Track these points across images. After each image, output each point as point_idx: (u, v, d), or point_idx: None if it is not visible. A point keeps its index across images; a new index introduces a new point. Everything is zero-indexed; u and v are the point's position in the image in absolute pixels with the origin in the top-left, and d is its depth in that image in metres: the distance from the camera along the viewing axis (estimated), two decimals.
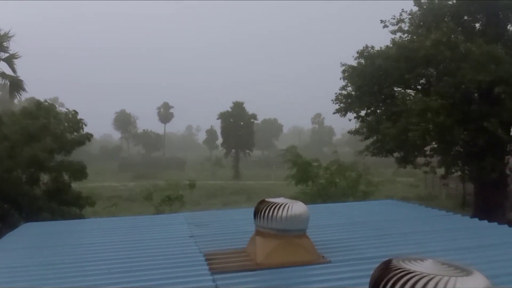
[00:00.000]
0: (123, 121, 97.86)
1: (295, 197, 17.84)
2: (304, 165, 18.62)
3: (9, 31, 16.12)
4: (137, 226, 6.93)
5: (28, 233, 6.94)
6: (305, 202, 5.03)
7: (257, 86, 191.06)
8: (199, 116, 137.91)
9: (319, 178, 18.88)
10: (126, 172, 58.41)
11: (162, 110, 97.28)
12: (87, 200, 15.65)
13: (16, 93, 16.45)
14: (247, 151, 61.27)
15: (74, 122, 15.69)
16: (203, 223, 6.79)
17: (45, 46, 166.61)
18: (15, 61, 16.17)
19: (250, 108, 62.47)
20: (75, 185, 15.85)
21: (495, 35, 17.17)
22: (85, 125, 16.16)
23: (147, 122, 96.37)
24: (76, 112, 15.93)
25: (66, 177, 15.40)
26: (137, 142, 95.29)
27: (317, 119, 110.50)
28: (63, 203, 15.14)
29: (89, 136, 16.07)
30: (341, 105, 20.08)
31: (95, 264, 4.82)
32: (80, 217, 14.47)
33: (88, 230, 6.86)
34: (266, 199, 4.81)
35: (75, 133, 15.85)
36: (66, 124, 15.68)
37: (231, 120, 60.60)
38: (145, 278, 4.24)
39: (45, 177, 15.49)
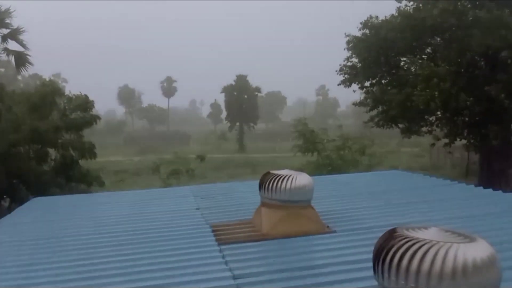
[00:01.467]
0: (127, 96, 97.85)
1: (300, 169, 18.05)
2: (310, 135, 18.70)
3: (9, 7, 15.93)
4: (144, 200, 7.01)
5: (37, 207, 7.04)
6: (310, 174, 5.05)
7: (260, 58, 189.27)
8: (202, 90, 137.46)
9: (325, 150, 18.95)
10: (131, 147, 58.70)
11: (165, 84, 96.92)
12: (96, 178, 15.81)
13: (22, 68, 16.40)
14: (252, 124, 61.25)
15: (83, 103, 15.77)
16: (210, 196, 6.85)
17: (44, 16, 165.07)
18: (23, 36, 16.00)
19: (253, 81, 62.24)
20: (82, 162, 15.99)
21: (504, 1, 16.78)
22: (93, 107, 16.31)
23: (151, 96, 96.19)
24: (86, 96, 16.00)
25: (74, 154, 15.52)
26: (142, 117, 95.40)
27: (322, 91, 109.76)
28: (71, 179, 15.31)
29: (96, 118, 16.20)
30: (346, 76, 19.89)
31: (103, 236, 4.89)
32: (88, 192, 14.64)
33: (96, 204, 6.95)
34: (271, 171, 4.83)
35: (84, 114, 15.93)
36: (75, 104, 15.76)
37: (235, 93, 60.32)
38: (152, 250, 4.31)
39: (53, 154, 15.64)
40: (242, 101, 59.90)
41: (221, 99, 69.26)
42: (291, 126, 21.40)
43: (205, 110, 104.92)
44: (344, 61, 20.05)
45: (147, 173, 25.92)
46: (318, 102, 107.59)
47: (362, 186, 7.15)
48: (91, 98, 16.15)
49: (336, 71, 20.08)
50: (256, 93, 61.54)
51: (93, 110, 16.57)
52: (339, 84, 20.21)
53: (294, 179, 4.59)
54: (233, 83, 60.33)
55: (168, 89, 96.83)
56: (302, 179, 4.65)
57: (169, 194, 7.41)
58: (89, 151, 15.52)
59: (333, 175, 12.39)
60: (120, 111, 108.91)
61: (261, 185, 4.77)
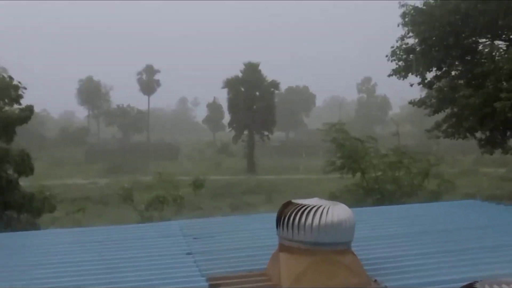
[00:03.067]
0: (91, 92, 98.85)
1: (335, 197, 17.94)
2: (352, 146, 18.60)
3: None
4: (114, 240, 7.01)
5: None
6: (350, 204, 5.03)
7: (277, 40, 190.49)
8: (196, 85, 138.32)
9: (372, 169, 18.84)
10: (96, 164, 59.12)
11: (144, 76, 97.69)
12: (43, 203, 15.88)
13: None
14: (266, 133, 61.43)
15: (5, 89, 15.71)
16: (206, 235, 6.85)
17: None
18: None
19: (268, 73, 62.43)
20: (25, 183, 16.09)
21: None
22: (25, 89, 16.21)
23: (124, 93, 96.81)
24: (11, 78, 16.00)
25: (9, 171, 15.59)
26: (111, 122, 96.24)
27: (366, 85, 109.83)
28: (9, 206, 15.37)
29: (30, 109, 16.13)
30: (400, 63, 19.82)
31: None
32: (34, 227, 14.70)
33: (45, 246, 6.96)
34: (294, 201, 4.82)
35: (13, 106, 15.91)
36: None
37: (243, 89, 60.64)
38: None
39: None
40: (252, 100, 60.20)
41: (222, 97, 69.79)
42: (321, 134, 21.28)
43: (200, 113, 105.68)
44: (397, 41, 19.96)
45: (117, 201, 26.04)
46: (361, 102, 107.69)
47: (426, 222, 7.10)
48: (39, 95, 16.26)
49: (386, 56, 20.05)
50: (273, 89, 61.84)
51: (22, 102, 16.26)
52: (390, 75, 20.12)
53: (326, 212, 4.58)
54: (240, 74, 60.72)
55: (148, 83, 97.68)
56: (338, 212, 4.63)
57: (149, 233, 7.41)
58: (22, 164, 15.53)
59: (383, 206, 12.29)
60: (81, 113, 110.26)
61: (279, 221, 4.77)
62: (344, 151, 18.96)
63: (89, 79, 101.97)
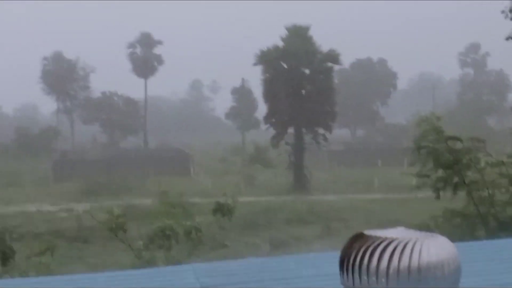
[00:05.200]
0: (61, 76, 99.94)
1: (428, 226, 17.78)
2: (449, 151, 18.58)
3: None
4: None
5: None
6: (452, 237, 4.98)
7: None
8: (215, 62, 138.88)
9: (482, 184, 18.73)
10: (69, 181, 60.02)
11: (138, 50, 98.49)
12: None
13: None
14: (321, 131, 61.30)
15: None
16: (234, 284, 6.86)
17: None
18: None
19: (323, 40, 62.17)
20: None
21: None
22: None
23: (110, 75, 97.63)
24: None
25: None
26: (91, 118, 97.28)
27: (472, 56, 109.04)
28: None
29: None
30: None
31: None
32: None
33: None
34: (366, 232, 4.79)
35: None
36: None
37: (285, 65, 60.76)
38: None
39: None
40: (300, 81, 60.23)
41: (254, 78, 69.91)
42: (406, 131, 21.26)
43: (222, 103, 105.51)
44: None
45: (102, 236, 26.27)
46: (465, 81, 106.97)
47: None
48: None
49: (502, 11, 19.88)
50: (330, 64, 61.68)
51: None
52: (508, 38, 19.96)
53: (418, 250, 4.54)
54: (281, 44, 60.71)
55: (145, 60, 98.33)
56: (435, 248, 4.58)
57: (151, 283, 7.46)
58: None
59: (502, 239, 12.14)
60: (47, 107, 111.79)
61: (344, 263, 4.74)
62: (436, 158, 18.88)
63: (58, 57, 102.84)
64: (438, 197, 19.17)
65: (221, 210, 21.85)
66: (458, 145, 19.14)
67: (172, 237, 20.48)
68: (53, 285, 7.88)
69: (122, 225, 21.28)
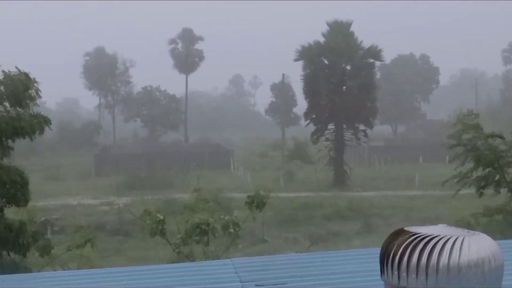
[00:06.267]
0: (103, 71, 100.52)
1: (469, 224, 17.64)
2: (490, 150, 18.45)
3: None
4: (140, 286, 7.09)
5: None
6: (494, 234, 4.91)
7: None
8: (256, 58, 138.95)
9: None
10: (110, 176, 60.46)
11: (180, 46, 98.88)
12: (34, 237, 16.34)
13: None
14: (362, 127, 61.03)
15: (19, 88, 16.52)
16: (274, 281, 6.84)
17: None
18: None
19: (365, 36, 61.85)
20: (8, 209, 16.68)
21: None
22: (40, 94, 17.05)
23: (152, 72, 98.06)
24: (26, 75, 16.85)
25: None
26: (132, 114, 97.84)
27: None
28: None
29: (46, 120, 16.96)
30: None
31: None
32: (21, 268, 15.10)
33: None
34: (407, 229, 4.74)
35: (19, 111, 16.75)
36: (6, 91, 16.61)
37: (326, 61, 60.66)
38: None
39: None
40: (341, 77, 60.05)
41: (295, 74, 69.79)
42: (447, 128, 21.18)
43: (262, 99, 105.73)
44: None
45: (142, 231, 26.39)
46: (508, 78, 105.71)
47: None
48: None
49: None
50: (372, 60, 61.40)
51: (37, 100, 17.30)
52: None
53: (459, 247, 4.48)
54: (322, 40, 60.54)
55: (187, 56, 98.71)
56: (477, 246, 4.52)
57: (190, 277, 7.46)
58: (13, 193, 16.17)
59: None
60: (89, 102, 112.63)
61: (385, 260, 4.69)
62: (479, 156, 18.73)
63: (100, 52, 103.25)
64: (481, 195, 19.05)
65: (253, 203, 21.72)
66: (498, 142, 19.00)
67: (209, 231, 20.49)
68: (94, 278, 7.93)
69: (162, 222, 21.33)
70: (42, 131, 17.23)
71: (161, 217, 21.58)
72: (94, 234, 28.76)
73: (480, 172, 19.58)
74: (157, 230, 21.20)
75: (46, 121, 17.20)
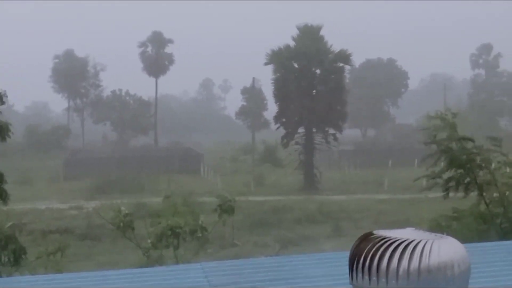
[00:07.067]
0: (72, 74, 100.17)
1: (438, 226, 17.75)
2: (462, 150, 18.57)
3: None
4: None
5: None
6: (463, 238, 4.95)
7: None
8: (226, 61, 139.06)
9: (494, 184, 18.69)
10: (79, 180, 60.15)
11: (150, 49, 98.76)
12: (6, 241, 16.28)
13: None
14: (332, 131, 61.36)
15: None
16: (243, 283, 6.84)
17: None
18: None
19: (334, 40, 62.11)
20: None
21: None
22: (3, 100, 17.01)
23: (120, 75, 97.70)
24: None
25: None
26: (102, 117, 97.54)
27: (484, 57, 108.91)
28: None
29: (3, 128, 16.89)
30: None
31: None
32: None
33: None
34: (376, 232, 4.75)
35: None
36: None
37: (296, 65, 60.82)
38: None
39: None
40: (311, 81, 60.26)
41: (265, 78, 70.01)
42: (416, 131, 21.34)
43: (233, 102, 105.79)
44: None
45: (111, 235, 26.32)
46: (477, 82, 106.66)
47: None
48: None
49: None
50: (341, 64, 61.71)
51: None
52: None
53: (428, 250, 4.51)
54: (292, 43, 60.72)
55: (156, 59, 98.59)
56: (445, 249, 4.54)
57: (159, 281, 7.45)
58: None
59: None
60: (58, 105, 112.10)
61: (353, 263, 4.71)
62: (452, 157, 18.85)
63: (69, 55, 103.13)
64: (446, 196, 19.14)
65: (223, 208, 21.79)
66: (469, 145, 19.16)
67: (179, 235, 20.48)
68: (62, 283, 7.88)
69: (130, 224, 21.30)
70: (3, 138, 17.12)
71: (127, 211, 21.58)
72: (63, 238, 28.66)
73: (451, 173, 19.70)
74: (125, 224, 21.18)
75: (4, 128, 17.10)
